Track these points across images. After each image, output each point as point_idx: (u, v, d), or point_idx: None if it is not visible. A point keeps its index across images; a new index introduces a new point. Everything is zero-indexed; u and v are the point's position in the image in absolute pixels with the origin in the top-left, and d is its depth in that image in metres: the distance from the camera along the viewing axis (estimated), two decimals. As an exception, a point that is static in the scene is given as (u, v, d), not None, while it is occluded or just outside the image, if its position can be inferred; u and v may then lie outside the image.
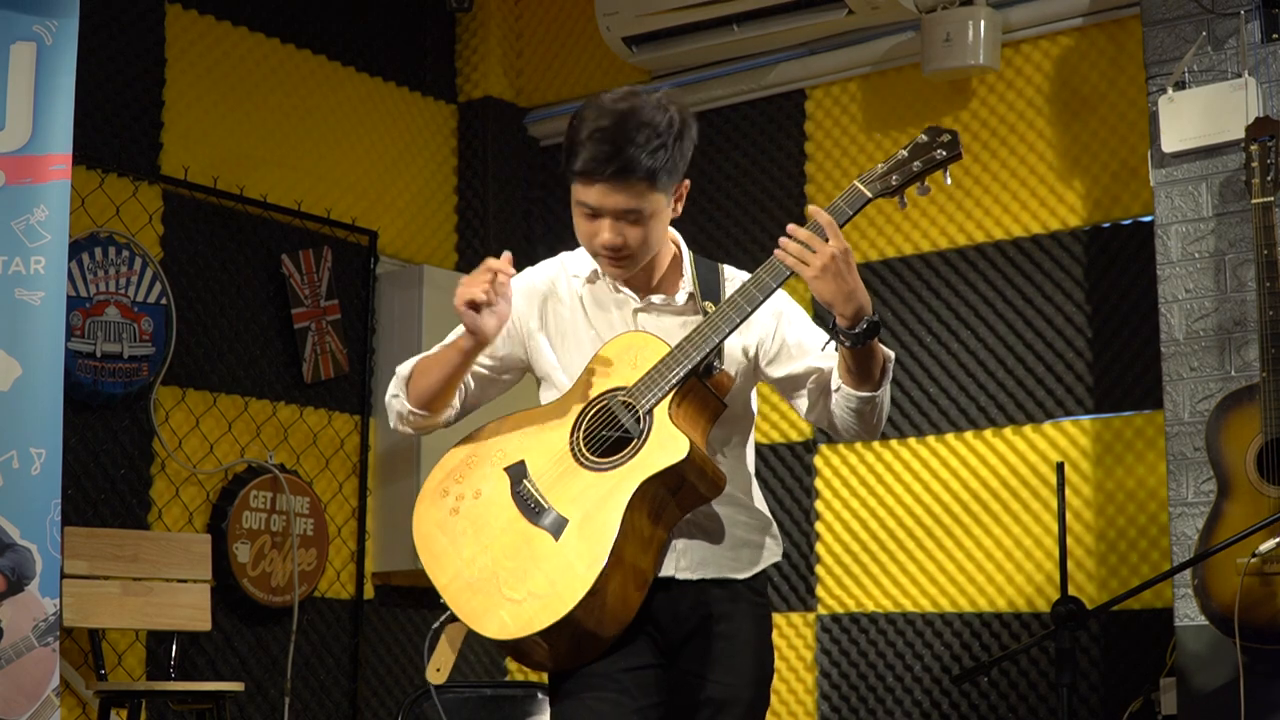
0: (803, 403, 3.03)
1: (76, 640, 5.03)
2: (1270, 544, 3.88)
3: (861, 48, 5.89)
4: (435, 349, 3.02)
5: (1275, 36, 4.72)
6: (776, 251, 2.79)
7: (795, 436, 5.92)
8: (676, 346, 2.86)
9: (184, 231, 5.57)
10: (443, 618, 2.93)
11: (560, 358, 3.02)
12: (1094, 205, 5.46)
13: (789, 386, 3.04)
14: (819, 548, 5.83)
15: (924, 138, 2.87)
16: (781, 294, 3.05)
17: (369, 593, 6.01)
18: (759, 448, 5.96)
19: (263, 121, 5.87)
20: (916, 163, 2.85)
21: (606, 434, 2.88)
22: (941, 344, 5.69)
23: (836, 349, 2.85)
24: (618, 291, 3.02)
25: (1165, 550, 5.04)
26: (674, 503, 2.87)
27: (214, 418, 5.57)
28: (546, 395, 3.06)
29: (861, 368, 2.84)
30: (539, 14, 6.71)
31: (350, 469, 6.02)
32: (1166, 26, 4.89)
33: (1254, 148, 4.42)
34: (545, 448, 2.92)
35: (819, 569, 5.82)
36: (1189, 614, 4.58)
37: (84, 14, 4.48)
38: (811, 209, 2.79)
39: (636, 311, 3.01)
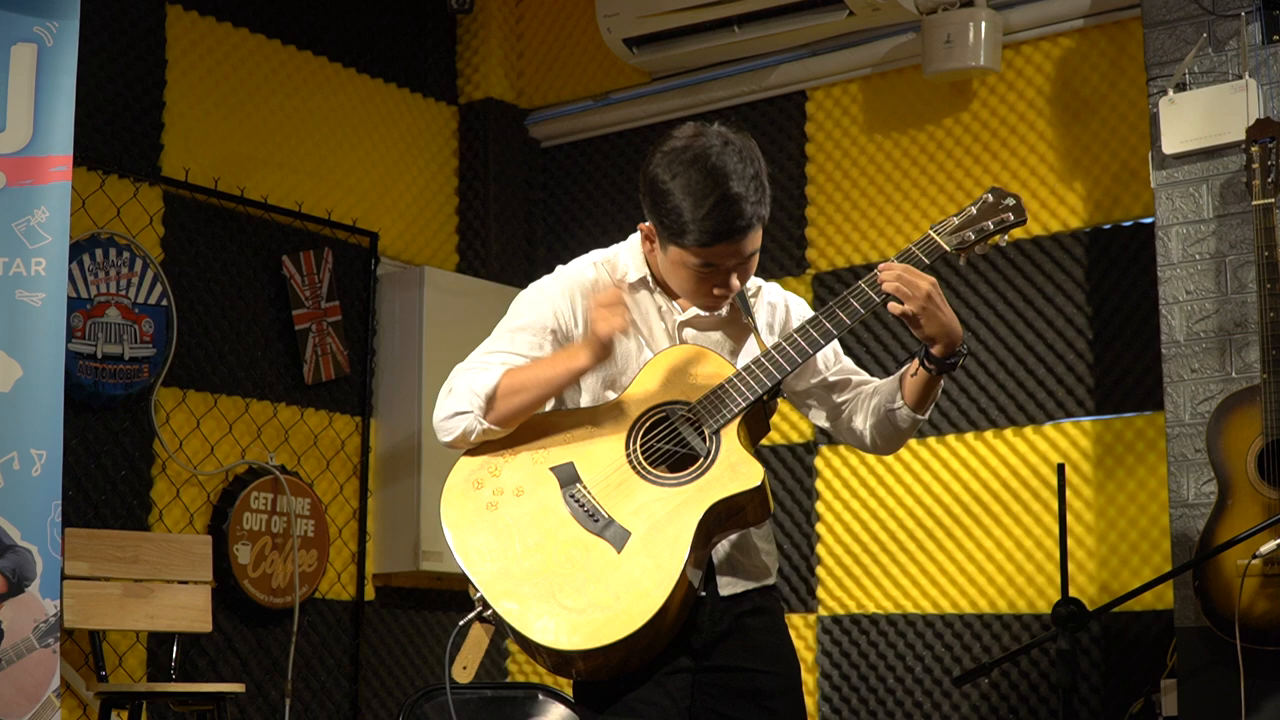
0: (823, 413, 3.09)
1: (77, 641, 5.03)
2: (1271, 546, 3.87)
3: (862, 49, 5.89)
4: (523, 367, 2.86)
5: (1276, 38, 4.71)
6: (881, 274, 2.80)
7: (796, 438, 5.91)
8: (745, 369, 2.85)
9: (185, 233, 5.57)
10: (471, 615, 2.79)
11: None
12: (1095, 207, 5.46)
13: (802, 398, 3.10)
14: (820, 549, 5.82)
15: (990, 198, 2.93)
16: (799, 306, 3.08)
17: (369, 594, 6.00)
18: (759, 448, 5.95)
19: (263, 123, 5.87)
20: (989, 222, 2.91)
21: (669, 449, 2.84)
22: (942, 345, 5.68)
23: (912, 373, 2.91)
24: (667, 300, 2.98)
25: (1166, 552, 5.03)
26: (726, 526, 2.85)
27: (215, 419, 5.57)
28: (571, 396, 2.98)
29: (931, 393, 2.93)
30: (540, 15, 6.70)
31: (351, 470, 6.02)
32: (1167, 28, 4.88)
33: (1255, 149, 4.42)
34: (597, 453, 2.84)
35: (820, 570, 5.82)
36: (1190, 616, 4.57)
37: (85, 15, 4.47)
38: (883, 266, 2.82)
39: (682, 324, 2.98)
